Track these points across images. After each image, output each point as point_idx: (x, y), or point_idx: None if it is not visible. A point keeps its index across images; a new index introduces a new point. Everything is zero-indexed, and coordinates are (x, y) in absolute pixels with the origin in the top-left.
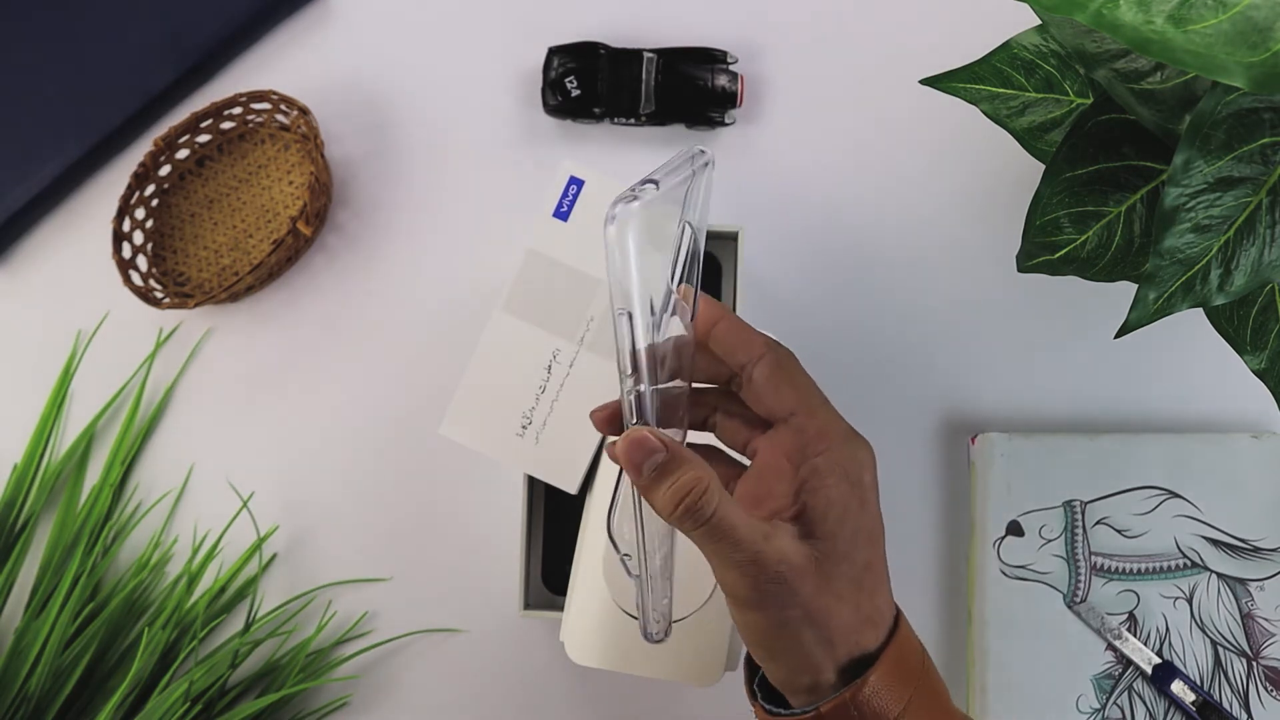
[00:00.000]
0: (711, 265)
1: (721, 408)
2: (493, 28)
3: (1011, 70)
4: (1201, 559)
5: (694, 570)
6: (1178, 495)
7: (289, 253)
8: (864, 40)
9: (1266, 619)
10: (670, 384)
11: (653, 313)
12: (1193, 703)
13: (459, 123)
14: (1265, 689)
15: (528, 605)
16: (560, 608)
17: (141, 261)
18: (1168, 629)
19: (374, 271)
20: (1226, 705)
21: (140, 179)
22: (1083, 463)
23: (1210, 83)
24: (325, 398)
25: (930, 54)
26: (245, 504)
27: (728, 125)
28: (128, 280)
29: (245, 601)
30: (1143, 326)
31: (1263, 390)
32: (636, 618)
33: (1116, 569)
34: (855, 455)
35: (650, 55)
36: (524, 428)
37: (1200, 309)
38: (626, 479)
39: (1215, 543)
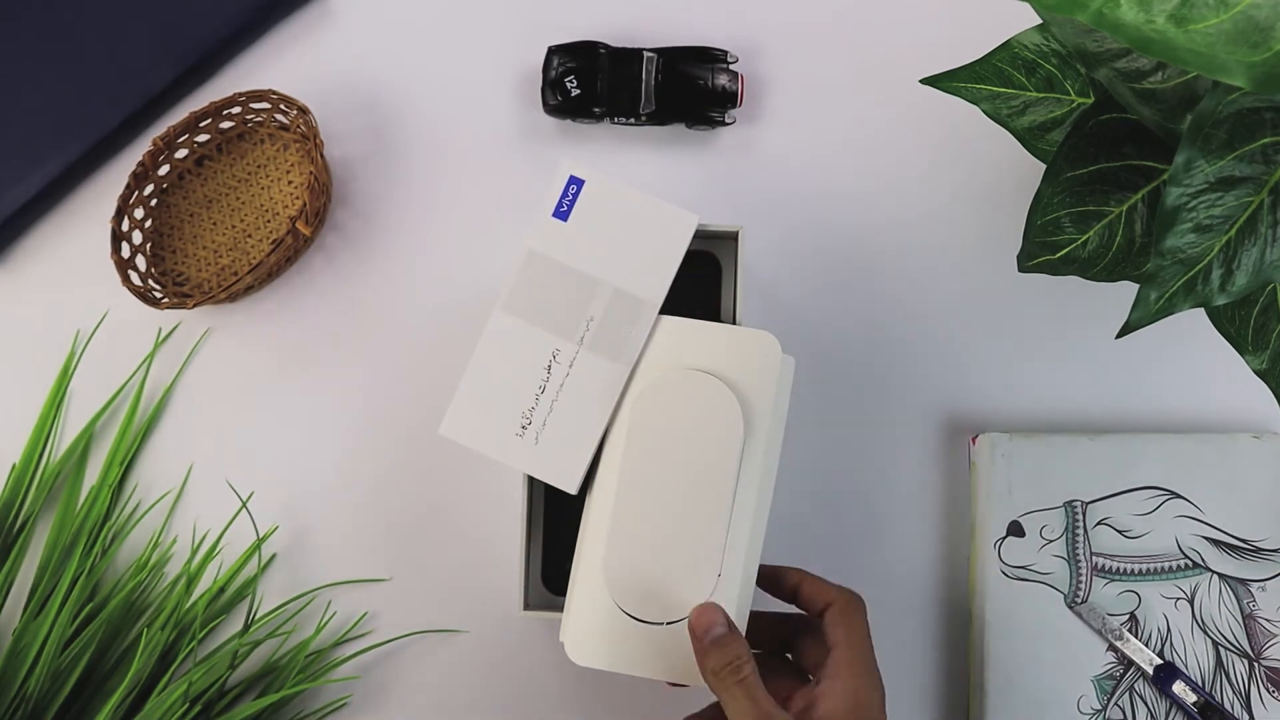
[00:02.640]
0: (711, 265)
1: (801, 632)
2: (493, 28)
3: (1012, 70)
4: (1203, 559)
5: (694, 568)
6: (1179, 496)
7: (288, 253)
8: (864, 40)
9: (1268, 620)
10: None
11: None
12: (1194, 703)
13: (459, 123)
14: (1267, 690)
15: (528, 605)
16: (560, 608)
17: (140, 261)
18: (1169, 630)
19: (373, 271)
20: (1228, 706)
21: (139, 179)
22: (1084, 463)
23: (1211, 82)
24: (325, 398)
25: (931, 53)
26: (245, 504)
27: (728, 125)
28: (126, 280)
29: (245, 602)
30: (1144, 326)
31: (1264, 390)
32: (638, 618)
33: (1117, 569)
34: (861, 688)
35: (650, 55)
36: (524, 428)
37: (1202, 309)
38: None
39: (1216, 543)
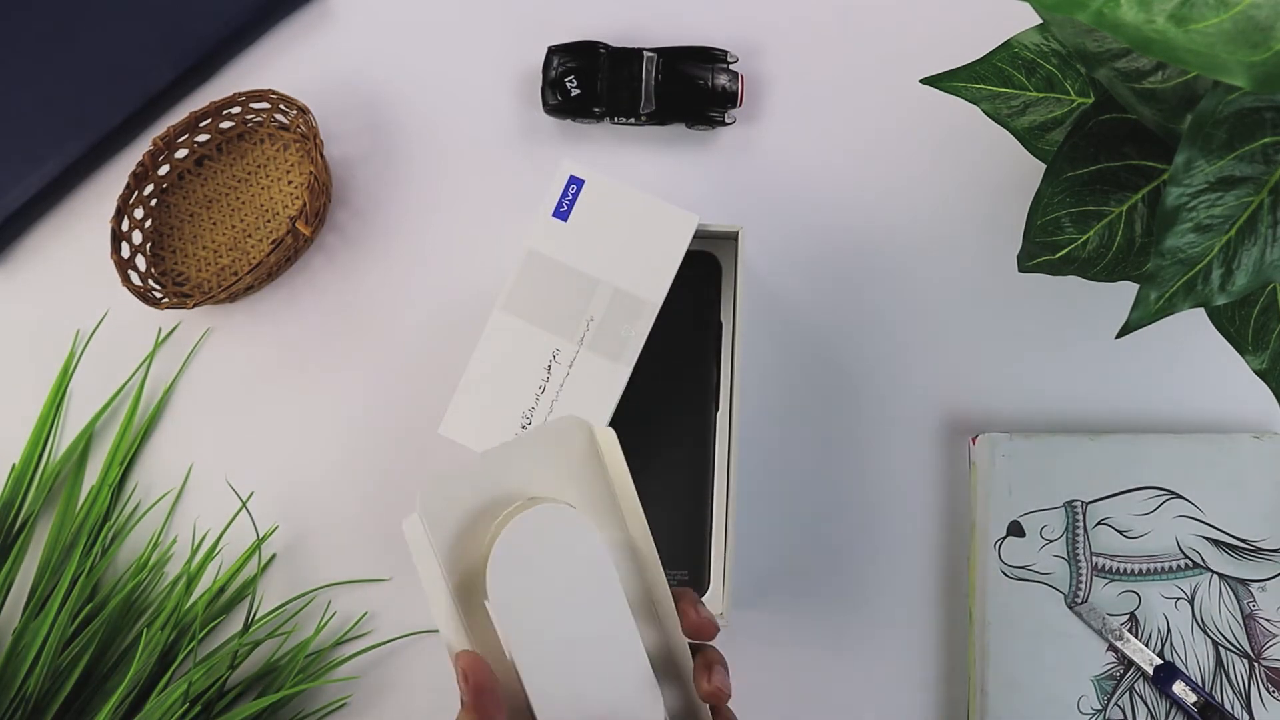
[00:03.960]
0: (711, 265)
1: None
2: (493, 27)
3: (1012, 70)
4: (1203, 559)
5: (636, 700)
6: (1179, 496)
7: (288, 253)
8: (865, 39)
9: (1268, 620)
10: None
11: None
12: (1194, 704)
13: (459, 122)
14: (1267, 690)
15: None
16: None
17: (140, 261)
18: (1169, 630)
19: (373, 271)
20: (1228, 706)
21: (139, 179)
22: (1084, 463)
23: (1212, 82)
24: (325, 397)
25: (931, 53)
26: (244, 504)
27: (728, 125)
28: (126, 280)
29: (244, 602)
30: (1144, 326)
31: (1264, 390)
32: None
33: (1118, 569)
34: None
35: (650, 54)
36: (524, 428)
37: (1202, 309)
38: None
39: (1216, 543)
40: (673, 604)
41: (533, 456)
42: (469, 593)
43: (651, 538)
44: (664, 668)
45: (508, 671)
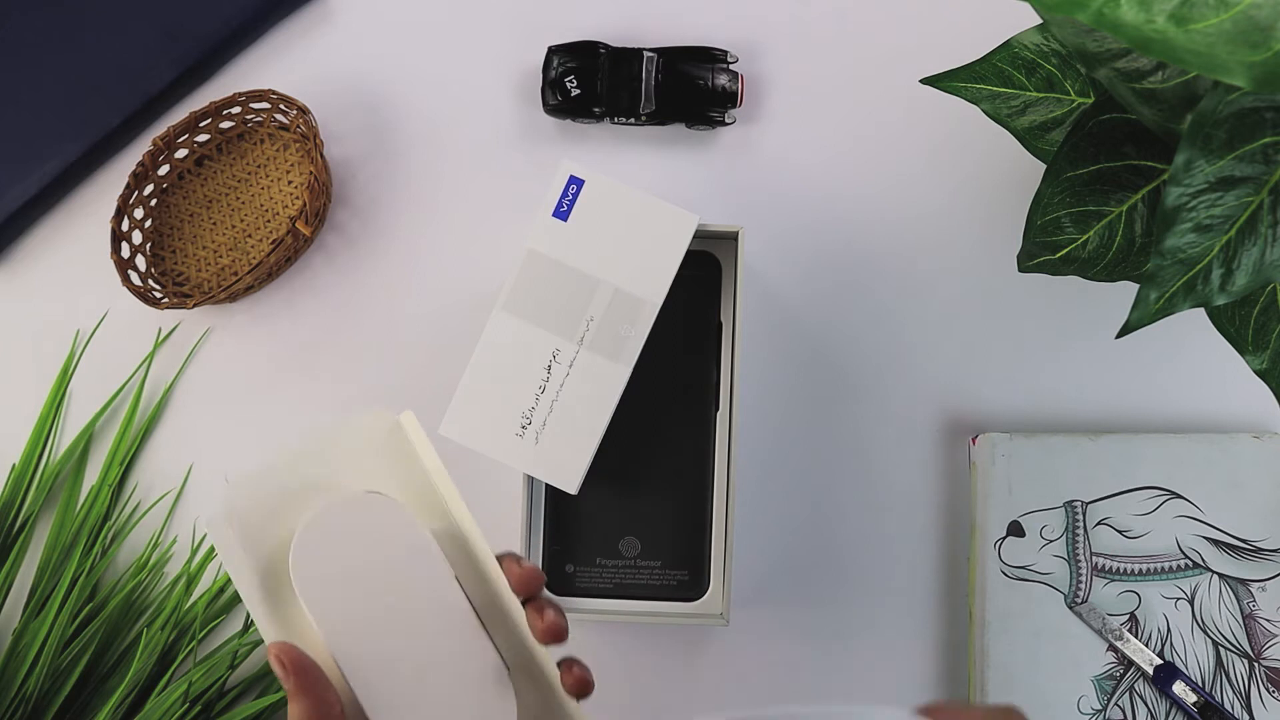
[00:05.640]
0: (711, 264)
1: None
2: (492, 27)
3: (1012, 69)
4: (1203, 560)
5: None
6: (1179, 496)
7: (288, 253)
8: (865, 39)
9: (1268, 620)
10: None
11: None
12: (1194, 704)
13: (459, 122)
14: (1267, 690)
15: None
16: (560, 608)
17: (140, 261)
18: (1169, 630)
19: (373, 271)
20: (1228, 706)
21: (139, 179)
22: (1084, 463)
23: (1212, 82)
24: (324, 398)
25: (931, 53)
26: None
27: (728, 125)
28: (126, 280)
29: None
30: (1144, 326)
31: (1264, 390)
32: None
33: (1118, 570)
34: None
35: (650, 54)
36: (524, 428)
37: (1202, 309)
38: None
39: (1216, 543)
40: (503, 574)
41: (340, 451)
42: (282, 589)
43: (473, 518)
44: (505, 636)
45: (330, 664)
